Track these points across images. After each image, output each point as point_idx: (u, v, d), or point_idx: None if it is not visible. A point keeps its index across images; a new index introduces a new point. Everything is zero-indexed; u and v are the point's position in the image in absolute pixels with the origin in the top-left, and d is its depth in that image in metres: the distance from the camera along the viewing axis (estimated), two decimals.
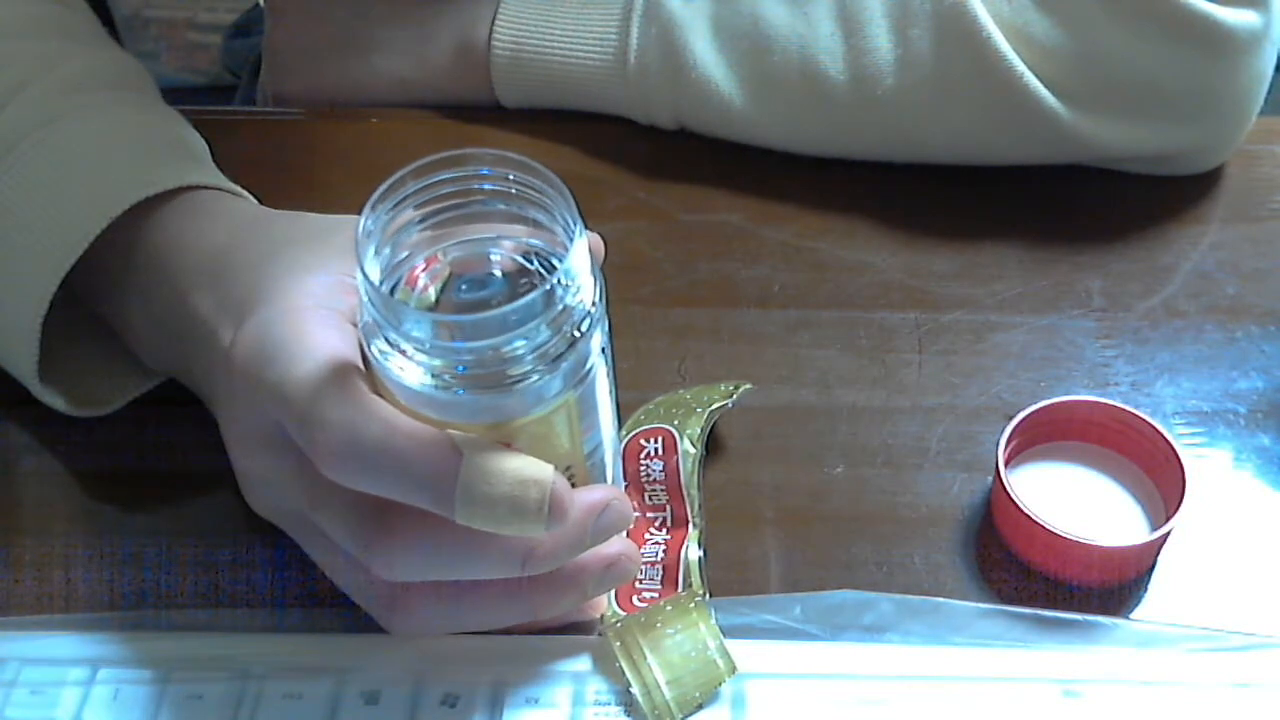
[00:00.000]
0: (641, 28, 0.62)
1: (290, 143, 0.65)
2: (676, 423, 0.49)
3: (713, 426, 0.51)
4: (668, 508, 0.48)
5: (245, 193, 0.51)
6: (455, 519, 0.36)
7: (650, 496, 0.48)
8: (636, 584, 0.46)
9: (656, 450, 0.49)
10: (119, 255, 0.47)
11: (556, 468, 0.38)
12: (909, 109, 0.60)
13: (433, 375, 0.36)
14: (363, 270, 0.36)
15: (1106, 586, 0.47)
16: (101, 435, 0.51)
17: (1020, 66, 0.57)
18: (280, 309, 0.40)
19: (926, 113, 0.60)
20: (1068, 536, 0.45)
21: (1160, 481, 0.48)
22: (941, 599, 0.46)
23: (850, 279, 0.59)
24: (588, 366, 0.38)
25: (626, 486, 0.48)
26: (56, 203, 0.47)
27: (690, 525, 0.47)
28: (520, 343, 0.36)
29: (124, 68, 0.55)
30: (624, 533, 0.42)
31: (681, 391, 0.51)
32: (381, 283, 0.37)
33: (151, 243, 0.47)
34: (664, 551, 0.47)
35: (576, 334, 0.37)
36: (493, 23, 0.64)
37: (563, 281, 0.36)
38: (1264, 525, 0.49)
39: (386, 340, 0.36)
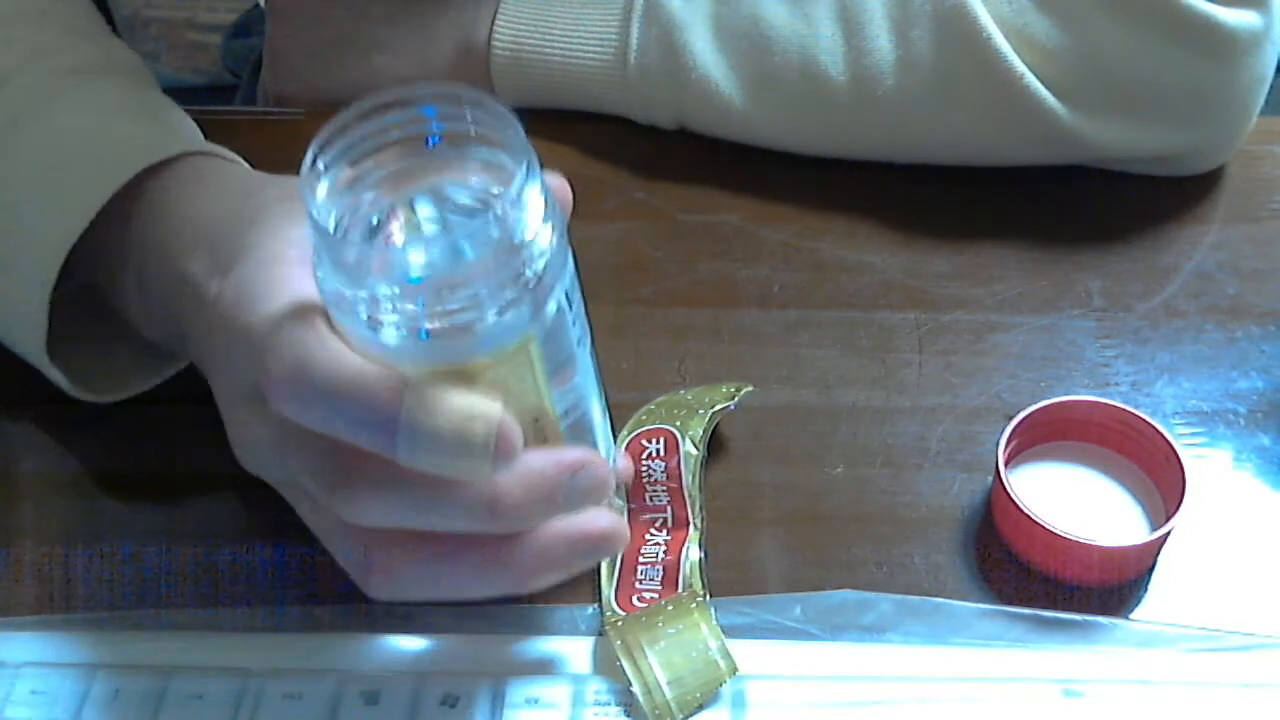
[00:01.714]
0: (641, 28, 0.62)
1: (290, 143, 0.65)
2: (679, 424, 0.49)
3: (714, 428, 0.51)
4: (669, 508, 0.48)
5: (239, 158, 0.51)
6: (398, 456, 0.35)
7: (651, 497, 0.48)
8: (637, 584, 0.46)
9: (659, 451, 0.49)
10: (117, 226, 0.47)
11: (522, 419, 0.37)
12: (909, 110, 0.60)
13: (385, 318, 0.35)
14: (310, 212, 0.35)
15: (1106, 586, 0.47)
16: (101, 435, 0.51)
17: (1020, 67, 0.57)
18: (260, 259, 0.40)
19: (927, 114, 0.60)
20: (1068, 536, 0.45)
21: (1160, 481, 0.48)
22: (941, 599, 0.46)
23: (850, 279, 0.59)
24: (548, 308, 0.36)
25: (628, 485, 0.48)
26: (59, 178, 0.47)
27: (691, 526, 0.47)
28: (473, 275, 0.34)
29: (123, 58, 0.55)
30: (618, 510, 0.41)
31: (683, 392, 0.51)
32: (337, 229, 0.36)
33: (148, 212, 0.47)
34: (665, 552, 0.47)
35: (531, 270, 0.35)
36: (493, 23, 0.64)
37: (512, 211, 0.35)
38: (1264, 525, 0.49)
39: (338, 283, 0.35)
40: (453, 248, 0.35)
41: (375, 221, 0.37)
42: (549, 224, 0.36)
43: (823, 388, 0.54)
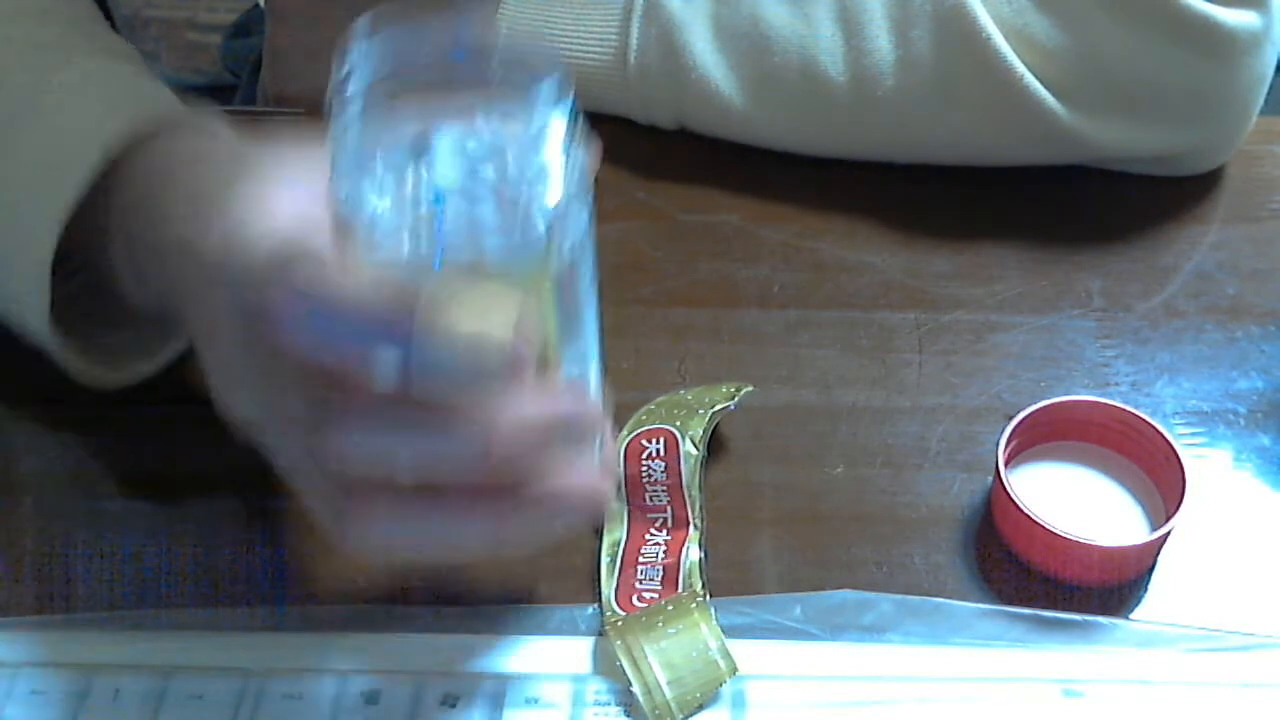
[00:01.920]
0: (641, 28, 0.62)
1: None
2: (679, 424, 0.49)
3: (714, 428, 0.51)
4: (669, 509, 0.48)
5: (227, 128, 0.50)
6: (409, 368, 0.35)
7: (651, 497, 0.48)
8: (637, 584, 0.46)
9: (659, 451, 0.49)
10: (111, 193, 0.47)
11: None
12: (909, 110, 0.60)
13: (402, 236, 0.35)
14: (335, 124, 0.34)
15: (1106, 586, 0.47)
16: (101, 435, 0.51)
17: (1020, 68, 0.57)
18: (252, 208, 0.39)
19: (926, 114, 0.60)
20: (1068, 536, 0.45)
21: (1160, 481, 0.48)
22: (941, 599, 0.46)
23: (850, 279, 0.59)
24: (564, 247, 0.36)
25: (628, 485, 0.48)
26: (55, 163, 0.47)
27: (691, 526, 0.47)
28: (492, 197, 0.34)
29: (122, 51, 0.55)
30: (604, 472, 0.40)
31: (683, 392, 0.51)
32: (361, 146, 0.36)
33: (142, 176, 0.46)
34: (665, 552, 0.47)
35: (550, 203, 0.35)
36: None
37: (537, 140, 0.35)
38: (1264, 525, 0.49)
39: (355, 199, 0.35)
40: (473, 171, 0.35)
41: (399, 142, 0.37)
42: (572, 163, 0.36)
43: (823, 388, 0.54)
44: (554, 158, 0.35)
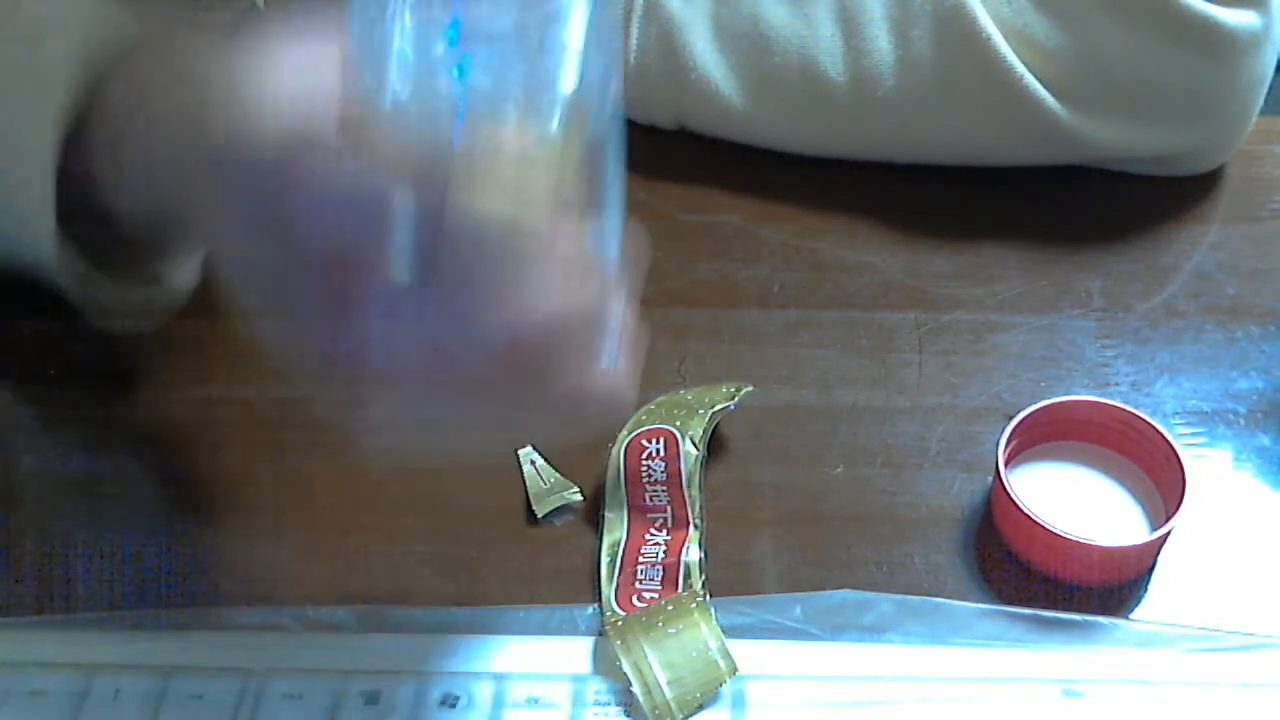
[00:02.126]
0: (641, 28, 0.62)
1: None
2: (679, 424, 0.49)
3: (714, 428, 0.51)
4: (669, 508, 0.48)
5: (207, 35, 0.50)
6: (436, 248, 0.33)
7: (651, 497, 0.48)
8: (637, 584, 0.46)
9: (659, 451, 0.49)
10: (103, 102, 0.46)
11: None
12: (909, 110, 0.60)
13: (426, 95, 0.34)
14: None
15: (1106, 586, 0.47)
16: (102, 435, 0.51)
17: (1020, 68, 0.57)
18: (249, 98, 0.38)
19: (926, 114, 0.60)
20: (1068, 536, 0.45)
21: (1160, 481, 0.48)
22: (941, 599, 0.46)
23: (850, 279, 0.59)
24: (588, 128, 0.35)
25: (628, 484, 0.48)
26: (40, 61, 0.46)
27: (691, 526, 0.47)
28: (514, 58, 0.33)
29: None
30: (627, 363, 0.39)
31: (683, 392, 0.51)
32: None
33: (129, 94, 0.46)
34: (665, 552, 0.47)
35: (573, 74, 0.34)
36: None
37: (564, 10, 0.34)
38: (1264, 525, 0.49)
39: (377, 64, 0.34)
40: (498, 46, 0.34)
41: (420, 16, 0.35)
42: (596, 33, 0.35)
43: (823, 388, 0.54)
44: (577, 30, 0.34)
